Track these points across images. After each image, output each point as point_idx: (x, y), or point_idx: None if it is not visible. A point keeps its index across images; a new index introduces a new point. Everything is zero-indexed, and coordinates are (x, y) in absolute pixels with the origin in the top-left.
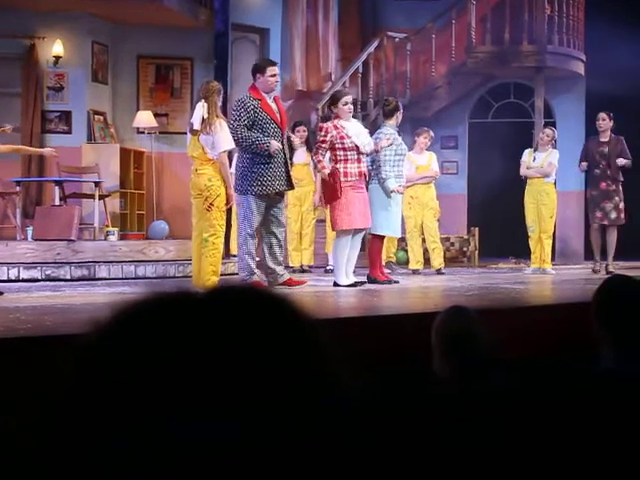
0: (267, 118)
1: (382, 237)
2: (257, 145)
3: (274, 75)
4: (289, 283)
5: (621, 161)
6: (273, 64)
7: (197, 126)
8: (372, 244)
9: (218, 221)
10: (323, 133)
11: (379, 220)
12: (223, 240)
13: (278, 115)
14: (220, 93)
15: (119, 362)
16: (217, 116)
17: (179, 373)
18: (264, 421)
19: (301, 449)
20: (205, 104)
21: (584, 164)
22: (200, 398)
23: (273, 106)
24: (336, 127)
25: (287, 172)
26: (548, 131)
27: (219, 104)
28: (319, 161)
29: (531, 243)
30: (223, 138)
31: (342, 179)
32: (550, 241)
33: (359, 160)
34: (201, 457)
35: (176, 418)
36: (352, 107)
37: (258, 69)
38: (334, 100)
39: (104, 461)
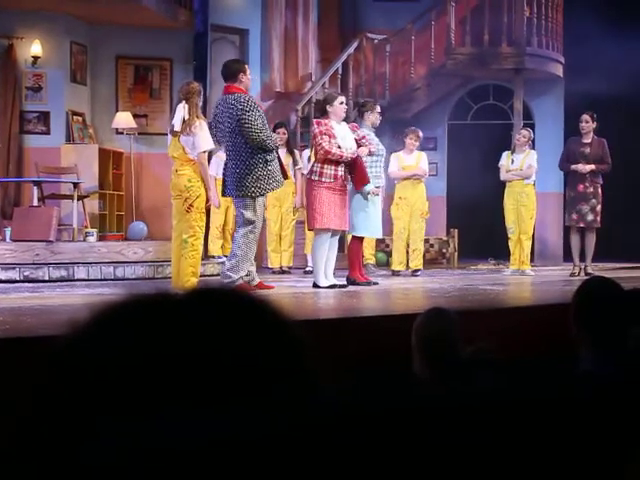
0: (264, 114)
1: (361, 238)
2: (275, 141)
3: (250, 73)
4: (260, 287)
5: (584, 168)
6: (247, 63)
7: (178, 127)
8: (351, 245)
9: (197, 222)
10: (323, 126)
11: (358, 221)
12: (203, 241)
13: None
14: (201, 94)
15: (97, 363)
16: (197, 117)
17: (158, 374)
18: (255, 418)
19: (292, 446)
20: (186, 105)
21: (580, 166)
22: (179, 398)
23: None
24: (326, 125)
25: (281, 165)
26: (524, 132)
27: (200, 105)
28: (328, 150)
29: (510, 244)
30: (203, 139)
31: (316, 178)
32: (529, 242)
33: (337, 163)
34: (192, 454)
35: (166, 415)
36: (346, 107)
37: (240, 69)
38: (329, 100)
39: (93, 460)
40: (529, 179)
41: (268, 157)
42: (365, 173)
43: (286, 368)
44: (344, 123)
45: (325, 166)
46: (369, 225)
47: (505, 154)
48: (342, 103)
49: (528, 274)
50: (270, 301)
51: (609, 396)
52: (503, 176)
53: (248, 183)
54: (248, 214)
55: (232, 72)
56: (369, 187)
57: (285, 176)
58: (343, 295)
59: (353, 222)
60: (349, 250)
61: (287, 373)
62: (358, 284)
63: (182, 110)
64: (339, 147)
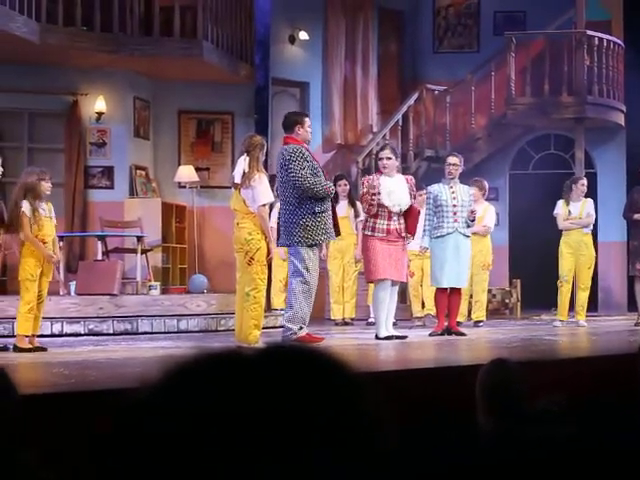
0: (318, 166)
1: (442, 290)
2: (325, 189)
3: (310, 126)
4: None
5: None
6: (307, 115)
7: (238, 180)
8: (435, 298)
9: (259, 275)
10: (366, 185)
11: (434, 272)
12: (265, 294)
13: None
14: (263, 147)
15: (174, 419)
16: (258, 170)
17: (234, 430)
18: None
19: None
20: (247, 158)
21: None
22: (257, 454)
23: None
24: (374, 181)
25: (335, 220)
26: (583, 181)
27: (262, 158)
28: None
29: (562, 293)
30: (262, 192)
31: (369, 233)
32: (585, 293)
33: (389, 217)
34: None
35: None
36: (386, 162)
37: (298, 121)
38: (377, 154)
39: None
40: (587, 228)
41: (317, 208)
42: (410, 225)
43: (353, 422)
44: (397, 175)
45: (377, 221)
46: (443, 276)
47: (561, 203)
48: (381, 159)
49: (581, 325)
50: (337, 356)
51: None
52: (561, 225)
53: (296, 232)
54: (299, 263)
55: (289, 124)
56: (424, 243)
57: (338, 232)
58: (405, 347)
59: (431, 273)
60: (436, 304)
61: (354, 427)
62: (456, 334)
63: (243, 163)
64: (379, 203)
